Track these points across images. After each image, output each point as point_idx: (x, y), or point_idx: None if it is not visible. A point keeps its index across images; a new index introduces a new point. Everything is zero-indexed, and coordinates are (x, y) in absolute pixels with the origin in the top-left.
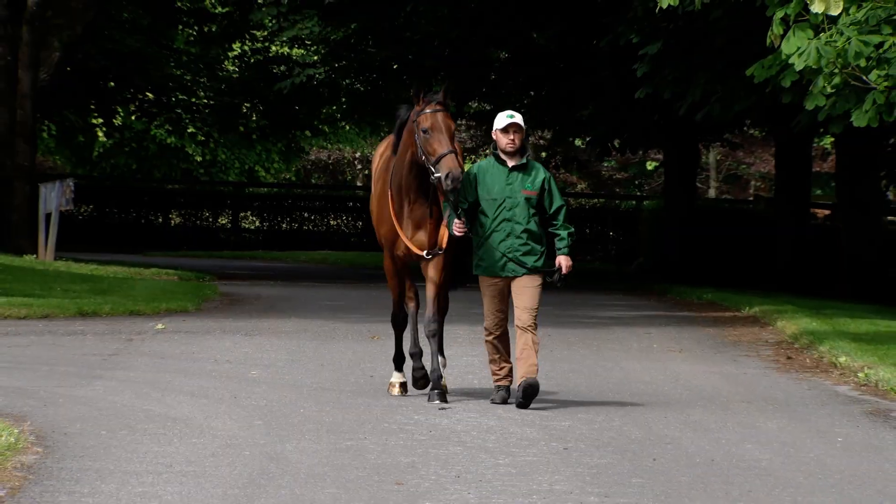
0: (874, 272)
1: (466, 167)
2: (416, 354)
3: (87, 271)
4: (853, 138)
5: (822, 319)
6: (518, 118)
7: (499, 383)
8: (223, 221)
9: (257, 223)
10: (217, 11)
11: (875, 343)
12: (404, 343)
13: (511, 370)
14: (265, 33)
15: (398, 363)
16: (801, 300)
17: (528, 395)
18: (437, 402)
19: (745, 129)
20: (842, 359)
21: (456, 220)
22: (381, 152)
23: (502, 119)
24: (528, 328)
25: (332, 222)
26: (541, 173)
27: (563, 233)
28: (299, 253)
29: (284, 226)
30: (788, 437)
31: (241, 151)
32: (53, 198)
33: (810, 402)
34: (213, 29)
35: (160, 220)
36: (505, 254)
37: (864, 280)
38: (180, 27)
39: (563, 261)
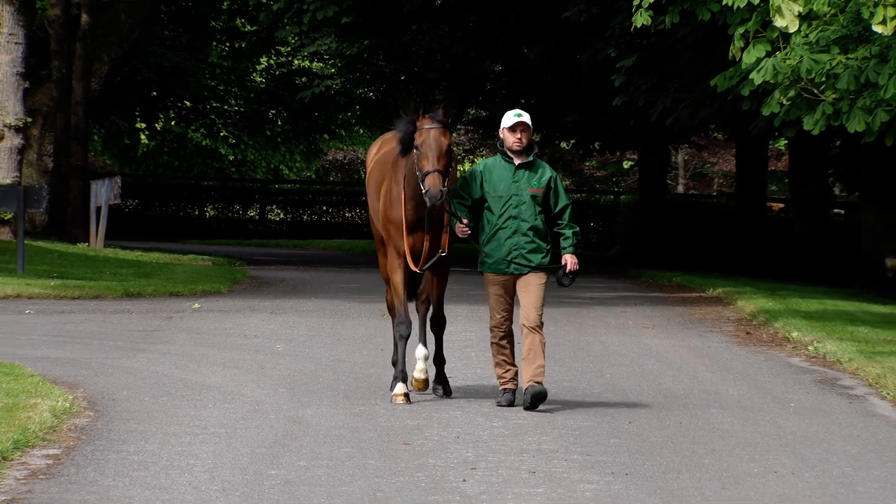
0: (823, 258)
1: (467, 166)
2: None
3: (132, 257)
4: (804, 141)
5: (777, 299)
6: (525, 117)
7: (504, 387)
8: (252, 214)
9: (282, 215)
10: (246, 30)
11: (823, 320)
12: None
13: (516, 374)
14: (289, 49)
15: (403, 375)
16: (759, 282)
17: (536, 402)
18: (441, 394)
19: (709, 132)
20: (794, 334)
21: (458, 224)
22: (373, 154)
23: (510, 118)
24: (535, 328)
25: (347, 214)
26: (547, 172)
27: (569, 232)
28: (318, 241)
29: (305, 217)
30: (747, 402)
31: (268, 152)
32: (103, 193)
33: (766, 372)
34: (243, 45)
35: (196, 212)
36: (511, 251)
37: (814, 264)
38: (214, 43)
39: (569, 259)
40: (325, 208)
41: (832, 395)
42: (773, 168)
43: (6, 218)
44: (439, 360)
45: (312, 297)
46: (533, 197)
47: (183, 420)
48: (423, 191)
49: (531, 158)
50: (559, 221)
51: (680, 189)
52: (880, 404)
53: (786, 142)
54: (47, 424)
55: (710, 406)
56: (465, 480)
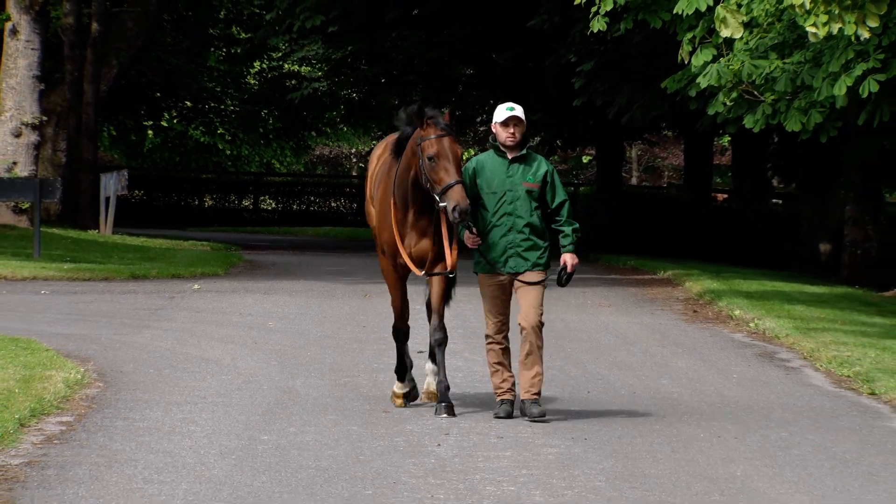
0: (763, 243)
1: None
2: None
3: (138, 243)
4: (746, 137)
5: (721, 281)
6: (518, 110)
7: (502, 397)
8: (246, 203)
9: (273, 205)
10: (241, 37)
11: (763, 299)
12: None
13: (514, 384)
14: (279, 54)
15: (401, 373)
16: (705, 265)
17: (537, 421)
18: (444, 415)
19: (660, 130)
20: (736, 312)
21: (467, 233)
22: (378, 154)
23: (501, 112)
24: (534, 328)
25: (332, 204)
26: (543, 165)
27: (568, 229)
28: (307, 228)
29: (295, 207)
30: (694, 374)
31: (261, 148)
32: (112, 185)
33: (712, 347)
34: (238, 51)
35: (196, 202)
36: (506, 249)
37: (754, 250)
38: (212, 49)
39: (568, 259)
40: (313, 198)
41: (771, 367)
42: (717, 162)
43: (24, 207)
44: (442, 382)
45: (301, 279)
46: (528, 192)
47: (184, 390)
48: (450, 207)
49: (525, 152)
50: (557, 218)
51: (634, 181)
52: (814, 375)
53: (729, 138)
54: (61, 394)
55: (660, 377)
56: (439, 445)
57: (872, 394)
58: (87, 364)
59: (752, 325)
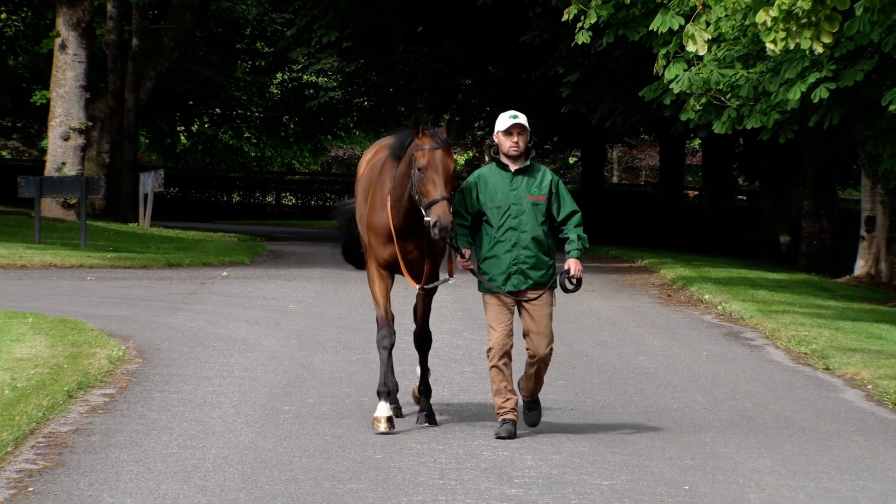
0: (729, 235)
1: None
2: (394, 389)
3: (173, 235)
4: (715, 141)
5: (693, 268)
6: (522, 118)
7: (504, 417)
8: (270, 199)
9: (294, 200)
10: (265, 51)
11: (730, 285)
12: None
13: (517, 403)
14: (299, 67)
15: (386, 393)
16: (678, 255)
17: (534, 425)
18: (426, 423)
19: (638, 134)
20: (706, 296)
21: (459, 258)
22: (367, 159)
23: (504, 120)
24: (543, 359)
25: (346, 200)
26: (547, 176)
27: (573, 235)
28: (323, 222)
29: (313, 202)
30: (668, 351)
31: (282, 150)
32: (149, 183)
33: (684, 327)
34: (263, 63)
35: (225, 198)
36: (509, 266)
37: (722, 241)
38: (239, 62)
39: (573, 264)
40: (328, 195)
41: (737, 345)
42: (689, 162)
43: (72, 203)
44: (425, 388)
45: (319, 267)
46: (534, 205)
47: (214, 366)
48: (431, 222)
49: (528, 163)
50: (563, 228)
51: (614, 180)
52: (775, 353)
53: (700, 141)
54: (105, 369)
55: (638, 354)
56: (441, 414)
57: (827, 369)
58: (127, 342)
59: (719, 307)
